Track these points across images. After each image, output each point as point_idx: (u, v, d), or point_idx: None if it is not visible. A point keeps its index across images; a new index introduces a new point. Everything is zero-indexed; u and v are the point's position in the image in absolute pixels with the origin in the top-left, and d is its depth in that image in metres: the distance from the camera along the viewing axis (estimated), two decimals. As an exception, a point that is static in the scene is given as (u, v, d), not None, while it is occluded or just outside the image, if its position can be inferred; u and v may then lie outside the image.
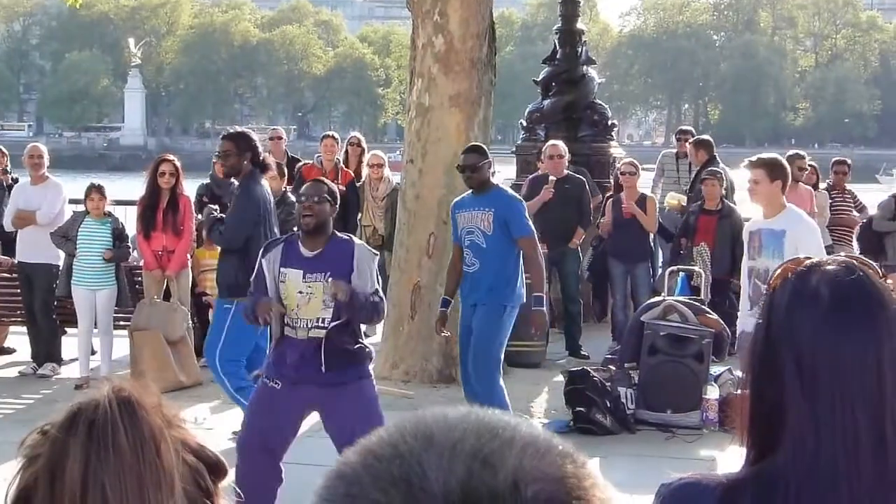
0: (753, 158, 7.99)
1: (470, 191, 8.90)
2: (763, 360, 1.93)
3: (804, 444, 1.86)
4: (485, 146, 9.22)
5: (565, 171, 12.22)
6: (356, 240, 6.84)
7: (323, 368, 6.56)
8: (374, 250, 6.97)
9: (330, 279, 6.50)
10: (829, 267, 1.94)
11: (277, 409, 6.66)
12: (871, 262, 2.03)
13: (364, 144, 14.17)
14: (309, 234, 6.63)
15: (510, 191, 9.35)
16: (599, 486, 0.86)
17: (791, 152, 12.39)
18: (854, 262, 1.97)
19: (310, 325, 6.63)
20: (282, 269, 6.65)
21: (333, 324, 6.55)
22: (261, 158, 8.61)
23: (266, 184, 8.95)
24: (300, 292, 6.61)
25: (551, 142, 12.73)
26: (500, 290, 8.57)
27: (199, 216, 9.44)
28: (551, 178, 11.99)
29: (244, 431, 6.87)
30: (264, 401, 6.75)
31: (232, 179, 9.10)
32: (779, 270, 1.99)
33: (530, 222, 8.90)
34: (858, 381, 1.86)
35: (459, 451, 0.84)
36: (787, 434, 1.88)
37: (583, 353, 12.08)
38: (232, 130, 8.91)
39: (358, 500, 0.84)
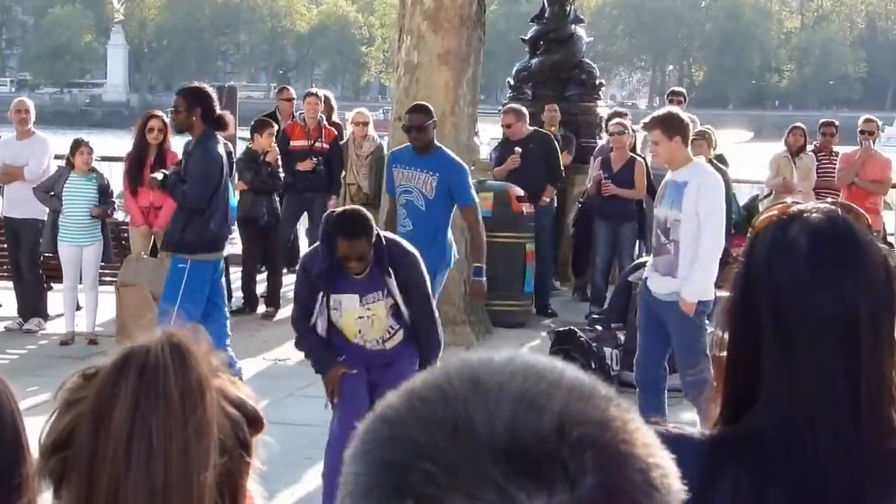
0: (647, 119, 7.67)
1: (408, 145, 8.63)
2: (740, 309, 1.88)
3: (779, 398, 1.82)
4: (430, 106, 8.79)
5: (526, 130, 12.21)
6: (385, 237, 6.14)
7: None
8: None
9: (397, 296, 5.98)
10: (812, 215, 1.87)
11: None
12: (859, 209, 1.96)
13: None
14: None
15: (453, 154, 8.79)
16: (643, 431, 0.85)
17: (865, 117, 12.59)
18: (839, 209, 1.89)
19: (382, 339, 6.18)
20: (333, 297, 6.04)
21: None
22: (216, 115, 8.45)
23: (222, 141, 8.77)
24: (359, 317, 6.08)
25: (509, 105, 12.71)
26: (431, 254, 7.70)
27: (154, 176, 9.30)
28: (517, 149, 11.99)
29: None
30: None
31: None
32: (765, 215, 1.93)
33: (474, 190, 8.71)
34: (833, 333, 1.80)
35: (506, 393, 0.83)
36: (763, 388, 1.84)
37: (550, 310, 12.12)
38: (185, 85, 8.82)
39: (400, 441, 0.82)
